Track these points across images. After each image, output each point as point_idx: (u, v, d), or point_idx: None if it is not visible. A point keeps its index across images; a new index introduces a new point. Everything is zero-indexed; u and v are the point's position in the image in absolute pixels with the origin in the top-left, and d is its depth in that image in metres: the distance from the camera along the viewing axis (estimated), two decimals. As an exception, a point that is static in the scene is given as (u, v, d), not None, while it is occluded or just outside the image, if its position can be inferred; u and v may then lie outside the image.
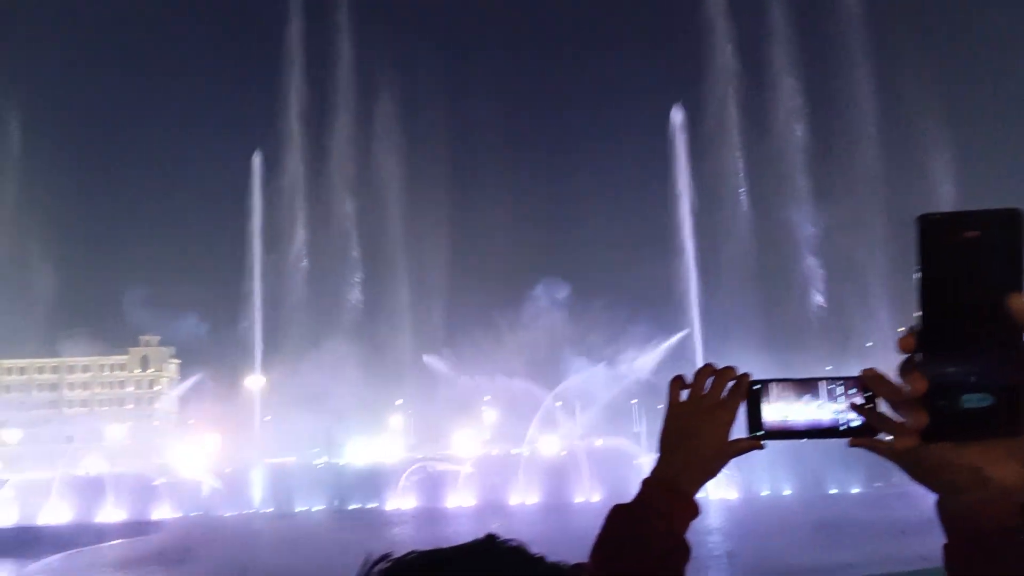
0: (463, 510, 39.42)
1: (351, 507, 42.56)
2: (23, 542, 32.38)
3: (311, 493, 44.18)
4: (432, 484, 45.15)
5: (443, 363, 52.82)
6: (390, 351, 52.76)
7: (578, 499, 39.87)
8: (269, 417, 54.28)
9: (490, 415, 67.88)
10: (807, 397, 1.34)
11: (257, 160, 55.07)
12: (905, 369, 1.02)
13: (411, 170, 56.35)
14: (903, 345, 1.01)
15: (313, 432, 53.64)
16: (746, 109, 49.11)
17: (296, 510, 42.45)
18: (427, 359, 52.46)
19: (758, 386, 1.39)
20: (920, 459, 1.04)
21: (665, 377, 1.49)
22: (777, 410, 1.36)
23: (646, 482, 1.42)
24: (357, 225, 55.48)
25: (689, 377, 1.46)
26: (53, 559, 21.58)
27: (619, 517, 1.39)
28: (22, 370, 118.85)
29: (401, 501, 43.51)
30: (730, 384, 1.43)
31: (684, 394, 1.46)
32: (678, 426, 1.43)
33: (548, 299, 58.09)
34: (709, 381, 1.44)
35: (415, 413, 62.21)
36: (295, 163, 54.53)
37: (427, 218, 58.15)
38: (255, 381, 54.16)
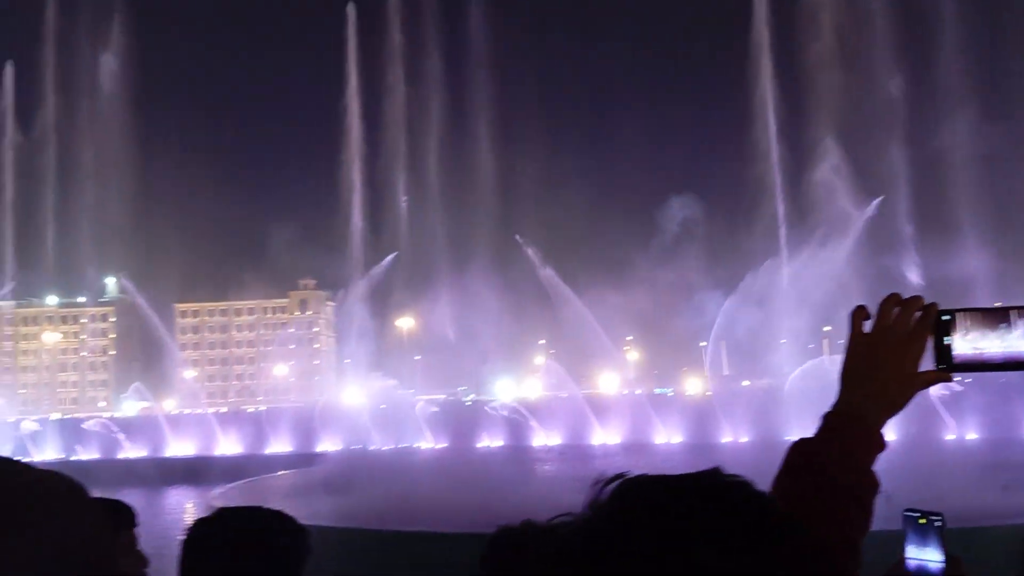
0: (608, 447, 39.77)
1: (497, 444, 43.78)
2: (200, 471, 35.34)
3: (459, 429, 45.72)
4: (576, 421, 45.75)
5: (582, 300, 52.89)
6: (533, 290, 53.30)
7: (725, 439, 39.40)
8: (419, 356, 56.34)
9: (633, 354, 67.78)
10: (1001, 328, 1.26)
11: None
12: None
13: (547, 113, 56.13)
14: None
15: (461, 371, 55.26)
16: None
17: (443, 446, 44.13)
18: (565, 295, 52.69)
19: (947, 316, 1.31)
20: None
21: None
22: (967, 341, 1.29)
23: (828, 416, 1.37)
24: (497, 165, 56.01)
25: (873, 308, 1.39)
26: (228, 487, 23.40)
27: (802, 451, 1.35)
28: (195, 313, 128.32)
29: (546, 438, 44.36)
30: (917, 315, 1.35)
31: (868, 325, 1.39)
32: (862, 358, 1.37)
33: (683, 228, 56.55)
34: (895, 312, 1.37)
35: (558, 352, 62.83)
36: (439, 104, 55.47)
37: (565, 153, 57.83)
38: (405, 321, 56.20)
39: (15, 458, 0.96)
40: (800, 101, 48.65)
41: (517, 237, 52.67)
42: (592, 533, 0.86)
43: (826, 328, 51.94)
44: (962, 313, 1.31)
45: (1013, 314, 1.27)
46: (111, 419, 59.13)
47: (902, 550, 2.50)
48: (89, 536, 0.93)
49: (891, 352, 1.33)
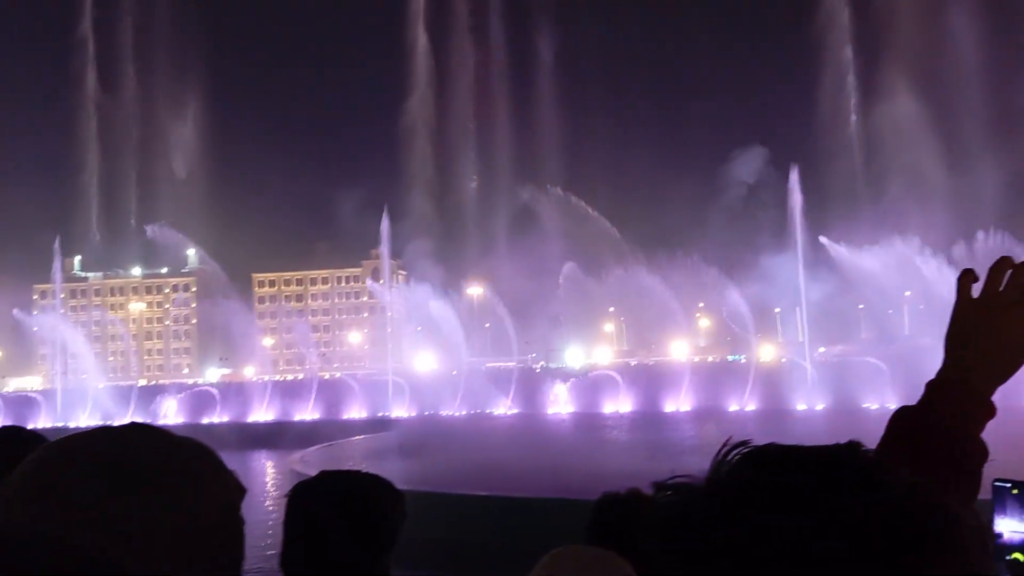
0: (680, 414, 39.53)
1: (567, 410, 43.91)
2: (280, 436, 36.44)
3: (530, 396, 45.99)
4: (647, 389, 45.51)
5: (652, 266, 52.31)
6: (603, 257, 52.96)
7: (800, 407, 38.73)
8: (488, 324, 56.76)
9: (705, 321, 66.96)
10: None
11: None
12: None
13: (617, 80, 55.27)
14: None
15: (531, 338, 55.47)
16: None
17: (514, 412, 44.45)
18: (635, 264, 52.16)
19: None
20: None
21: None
22: None
23: (934, 383, 1.32)
24: (565, 132, 55.56)
25: (981, 271, 1.35)
26: (308, 451, 24.06)
27: (906, 419, 1.30)
28: (272, 283, 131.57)
29: (618, 404, 44.30)
30: None
31: (976, 289, 1.35)
32: (970, 323, 1.33)
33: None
34: (1006, 276, 1.32)
35: (628, 320, 62.47)
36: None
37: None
38: (475, 289, 56.61)
39: (150, 423, 1.00)
40: (879, 54, 46.87)
41: (588, 208, 52.33)
42: (716, 502, 0.81)
43: (907, 293, 50.32)
44: None
45: None
46: (194, 385, 61.34)
47: (989, 522, 2.40)
48: (232, 501, 0.97)
49: (1000, 318, 1.30)
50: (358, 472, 2.08)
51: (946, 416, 1.27)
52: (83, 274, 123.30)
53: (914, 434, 1.27)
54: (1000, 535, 2.84)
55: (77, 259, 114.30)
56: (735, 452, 0.85)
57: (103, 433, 0.96)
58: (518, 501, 13.60)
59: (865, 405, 35.12)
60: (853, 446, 0.84)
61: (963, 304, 1.35)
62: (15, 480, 0.90)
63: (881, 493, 0.78)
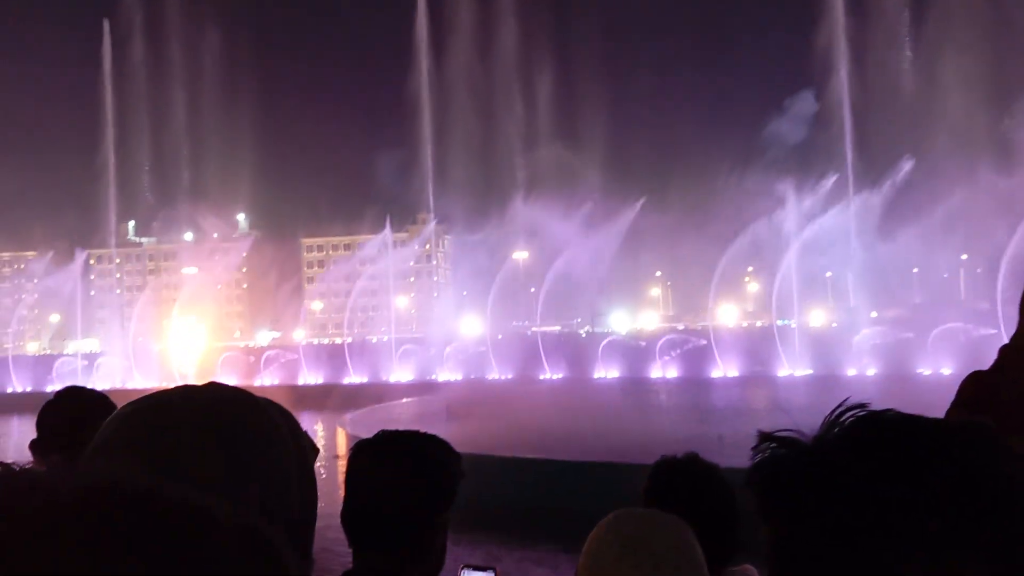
0: (727, 380, 39.31)
1: (612, 375, 43.89)
2: (330, 397, 37.10)
3: (576, 360, 46.02)
4: (694, 354, 45.26)
5: (699, 232, 51.66)
6: (649, 222, 52.47)
7: (850, 372, 38.20)
8: (533, 289, 56.76)
9: (753, 286, 66.17)
10: None
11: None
12: None
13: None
14: None
15: (577, 303, 55.41)
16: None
17: (559, 376, 44.57)
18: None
19: None
20: None
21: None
22: None
23: (1007, 348, 1.31)
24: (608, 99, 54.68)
25: None
26: (357, 413, 24.46)
27: (978, 384, 1.29)
28: (320, 247, 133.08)
29: (662, 370, 44.17)
30: None
31: None
32: None
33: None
34: None
35: (674, 284, 62.00)
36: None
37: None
38: (520, 254, 56.60)
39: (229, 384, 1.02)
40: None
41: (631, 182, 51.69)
42: (822, 461, 0.78)
43: (963, 256, 48.98)
44: None
45: None
46: (247, 347, 62.55)
47: None
48: (307, 459, 1.00)
49: None
50: (416, 431, 2.12)
51: (1020, 380, 1.25)
52: (137, 239, 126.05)
53: (986, 400, 1.24)
54: None
55: (131, 224, 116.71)
56: (850, 414, 0.82)
57: (187, 391, 0.99)
58: (571, 465, 13.52)
59: (919, 370, 34.54)
60: (979, 424, 0.79)
61: None
62: (105, 433, 0.93)
63: (994, 471, 0.74)
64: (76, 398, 3.01)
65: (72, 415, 2.79)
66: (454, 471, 2.03)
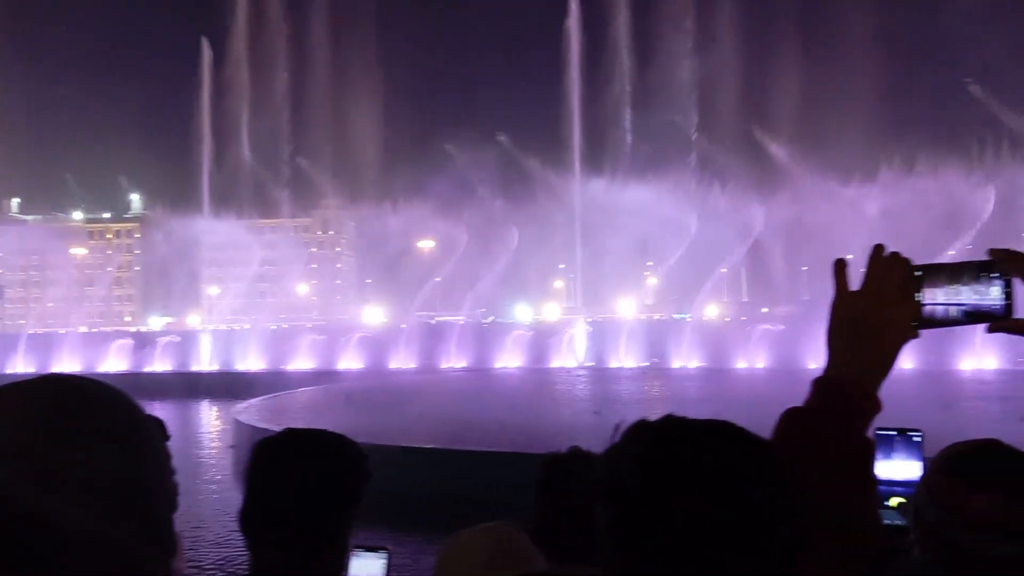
0: (625, 371, 40.20)
1: (514, 365, 44.30)
2: (225, 385, 36.14)
3: (478, 350, 46.26)
4: (594, 344, 46.20)
5: (602, 225, 52.58)
6: (553, 213, 53.05)
7: (740, 365, 39.68)
8: (439, 278, 56.67)
9: (652, 280, 67.75)
10: (963, 281, 1.26)
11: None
12: None
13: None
14: None
15: (480, 293, 55.58)
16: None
17: (462, 366, 44.72)
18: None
19: (919, 272, 1.28)
20: None
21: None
22: (936, 296, 1.27)
23: (821, 382, 1.26)
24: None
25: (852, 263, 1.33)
26: (252, 401, 23.89)
27: (796, 422, 1.24)
28: (220, 231, 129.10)
29: (564, 360, 44.86)
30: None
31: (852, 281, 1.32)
32: (854, 319, 1.28)
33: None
34: (883, 268, 1.30)
35: (577, 276, 62.94)
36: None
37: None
38: (426, 244, 56.39)
39: (68, 373, 0.99)
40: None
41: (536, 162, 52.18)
42: (610, 470, 0.98)
43: (849, 256, 51.34)
44: (931, 269, 1.28)
45: (970, 269, 1.26)
46: (136, 333, 60.31)
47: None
48: (156, 448, 0.97)
49: (888, 313, 1.26)
50: (324, 431, 2.05)
51: (836, 418, 1.23)
52: (22, 216, 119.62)
53: (804, 437, 1.22)
54: (883, 480, 3.31)
55: (15, 201, 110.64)
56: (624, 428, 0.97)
57: (19, 388, 0.94)
58: (466, 455, 13.64)
59: (810, 365, 36.14)
60: (706, 424, 0.98)
61: (844, 298, 1.30)
62: None
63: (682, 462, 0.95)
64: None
65: None
66: (362, 472, 1.99)
